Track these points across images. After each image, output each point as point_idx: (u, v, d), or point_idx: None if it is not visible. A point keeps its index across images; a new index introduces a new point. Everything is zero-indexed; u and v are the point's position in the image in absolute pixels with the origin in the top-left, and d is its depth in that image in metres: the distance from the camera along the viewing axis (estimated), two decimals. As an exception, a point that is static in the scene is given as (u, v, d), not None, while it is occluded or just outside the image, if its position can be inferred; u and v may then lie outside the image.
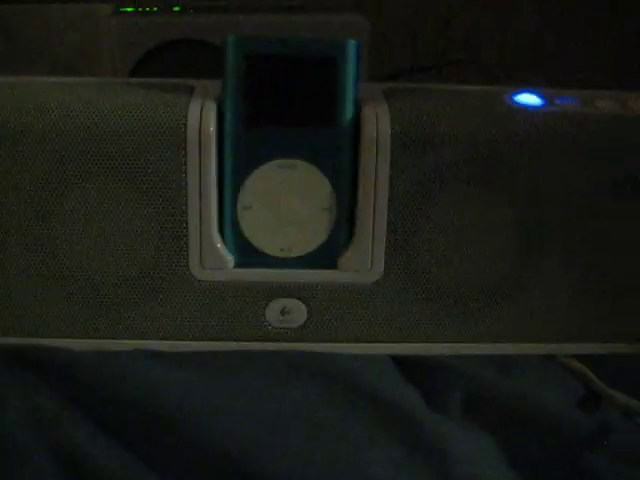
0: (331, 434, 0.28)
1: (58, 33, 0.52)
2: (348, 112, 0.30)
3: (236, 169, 0.30)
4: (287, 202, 0.31)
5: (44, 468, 0.25)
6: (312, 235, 0.32)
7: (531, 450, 0.28)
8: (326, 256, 0.32)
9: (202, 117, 0.30)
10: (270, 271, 0.32)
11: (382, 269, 0.32)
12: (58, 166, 0.30)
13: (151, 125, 0.30)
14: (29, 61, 0.53)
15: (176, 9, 0.52)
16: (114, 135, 0.30)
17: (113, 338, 0.32)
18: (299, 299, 0.32)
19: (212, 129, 0.30)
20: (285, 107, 0.30)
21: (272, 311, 0.32)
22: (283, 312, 0.32)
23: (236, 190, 0.31)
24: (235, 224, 0.31)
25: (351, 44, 0.30)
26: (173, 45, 0.50)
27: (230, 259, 0.31)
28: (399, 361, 0.33)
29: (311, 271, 0.32)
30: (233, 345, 0.33)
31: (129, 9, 0.51)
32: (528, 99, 0.32)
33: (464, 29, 0.77)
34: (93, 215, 0.31)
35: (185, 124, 0.30)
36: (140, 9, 0.51)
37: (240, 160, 0.30)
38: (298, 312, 0.32)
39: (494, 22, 0.78)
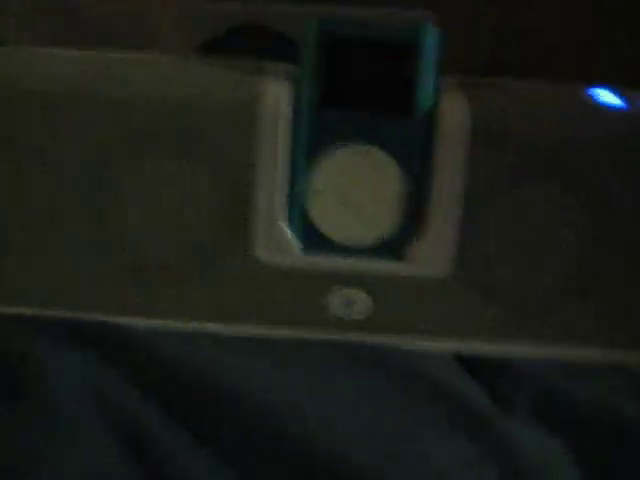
0: (394, 425, 0.27)
1: (121, 17, 0.52)
2: (427, 102, 0.30)
3: (308, 152, 0.30)
4: (358, 189, 0.30)
5: (106, 445, 0.25)
6: (381, 225, 0.31)
7: (601, 453, 0.27)
8: (394, 248, 0.31)
9: (277, 97, 0.29)
10: (336, 259, 0.31)
11: (450, 264, 0.31)
12: (128, 138, 0.30)
13: (224, 103, 0.29)
14: (90, 41, 0.53)
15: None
16: (186, 110, 0.30)
17: (171, 317, 0.32)
18: (363, 289, 0.32)
19: (287, 109, 0.29)
20: (363, 92, 0.29)
21: (335, 300, 0.32)
22: (347, 302, 0.32)
23: (307, 174, 0.30)
24: (303, 209, 0.31)
25: (433, 31, 0.29)
26: (237, 32, 0.50)
27: (296, 244, 0.31)
28: (463, 359, 0.32)
29: (378, 262, 0.31)
30: (293, 332, 0.32)
31: (195, -6, 0.51)
32: (608, 98, 0.32)
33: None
34: (159, 191, 0.30)
35: (260, 103, 0.29)
36: (206, -5, 0.51)
37: (313, 144, 0.30)
38: (362, 303, 0.32)
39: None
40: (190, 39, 0.50)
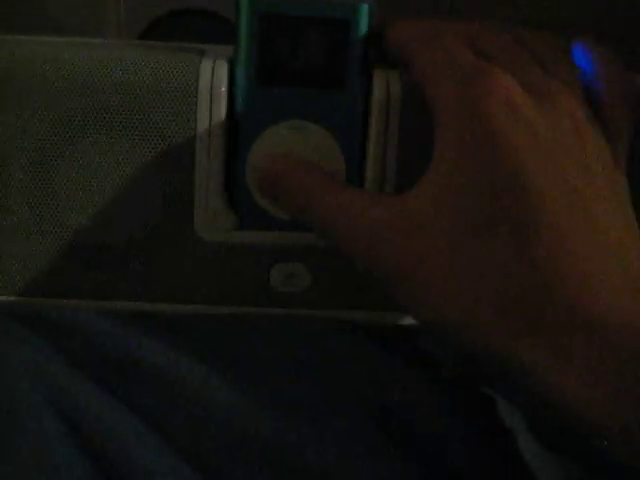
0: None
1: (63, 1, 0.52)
2: (359, 76, 0.30)
3: (245, 129, 0.30)
4: None
5: (50, 430, 0.25)
6: None
7: None
8: None
9: (214, 75, 0.30)
10: (275, 233, 0.32)
11: None
12: (64, 119, 0.30)
13: (162, 81, 0.30)
14: (31, 28, 0.52)
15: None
16: (123, 89, 0.30)
17: (114, 299, 0.32)
18: (303, 263, 0.32)
19: (223, 88, 0.30)
20: (297, 68, 0.30)
21: (276, 274, 0.32)
22: (288, 276, 0.32)
23: (245, 150, 0.30)
24: (243, 185, 0.31)
25: (365, 7, 0.30)
26: (178, 15, 0.50)
27: (236, 220, 0.31)
28: None
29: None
30: (236, 309, 0.32)
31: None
32: None
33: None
34: (98, 170, 0.31)
35: (197, 81, 0.29)
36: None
37: (250, 120, 0.30)
38: (302, 277, 0.32)
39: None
40: (134, 22, 0.49)
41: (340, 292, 0.33)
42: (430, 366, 0.30)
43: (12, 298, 0.32)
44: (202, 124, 0.30)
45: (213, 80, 0.30)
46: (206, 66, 0.30)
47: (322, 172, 0.29)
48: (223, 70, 0.30)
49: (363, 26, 0.30)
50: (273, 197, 0.30)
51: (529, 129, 0.25)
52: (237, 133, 0.30)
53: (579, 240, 0.24)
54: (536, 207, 0.24)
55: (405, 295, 0.26)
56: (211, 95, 0.30)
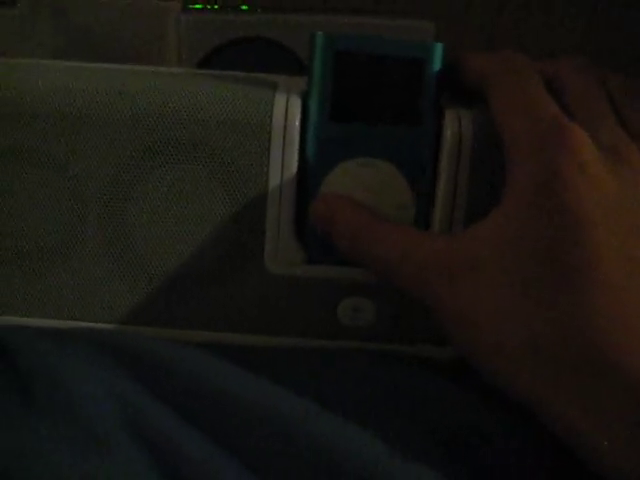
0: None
1: (124, 28, 0.53)
2: (432, 114, 0.30)
3: (317, 165, 0.31)
4: (366, 201, 0.31)
5: (132, 454, 0.25)
6: None
7: None
8: None
9: (288, 110, 0.30)
10: (342, 268, 0.32)
11: None
12: (138, 153, 0.31)
13: (236, 116, 0.30)
14: (93, 56, 0.53)
15: (244, 7, 0.53)
16: (199, 123, 0.30)
17: (186, 328, 0.33)
18: (369, 298, 0.32)
19: (297, 123, 0.30)
20: (370, 105, 0.30)
21: (343, 308, 0.32)
22: (354, 310, 0.32)
23: (316, 186, 0.31)
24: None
25: (438, 47, 0.30)
26: (239, 43, 0.51)
27: (305, 254, 0.31)
28: None
29: None
30: (303, 341, 0.33)
31: (198, 6, 0.52)
32: None
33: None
34: (170, 203, 0.31)
35: (271, 116, 0.30)
36: (209, 6, 0.52)
37: (322, 156, 0.30)
38: (368, 312, 0.32)
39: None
40: (192, 52, 0.50)
41: (404, 327, 0.33)
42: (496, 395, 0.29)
43: (83, 323, 0.33)
44: (275, 159, 0.30)
45: (287, 115, 0.30)
46: (280, 101, 0.30)
47: (371, 212, 0.30)
48: (297, 105, 0.30)
49: (437, 64, 0.30)
50: (327, 233, 0.31)
51: (597, 187, 0.25)
52: (308, 168, 0.31)
53: (631, 303, 0.24)
54: (592, 267, 0.24)
55: (452, 333, 0.27)
56: (285, 130, 0.30)
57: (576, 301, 0.24)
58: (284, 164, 0.30)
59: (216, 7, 0.52)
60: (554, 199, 0.25)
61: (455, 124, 0.30)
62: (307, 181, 0.31)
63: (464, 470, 0.27)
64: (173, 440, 0.26)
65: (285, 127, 0.30)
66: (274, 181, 0.30)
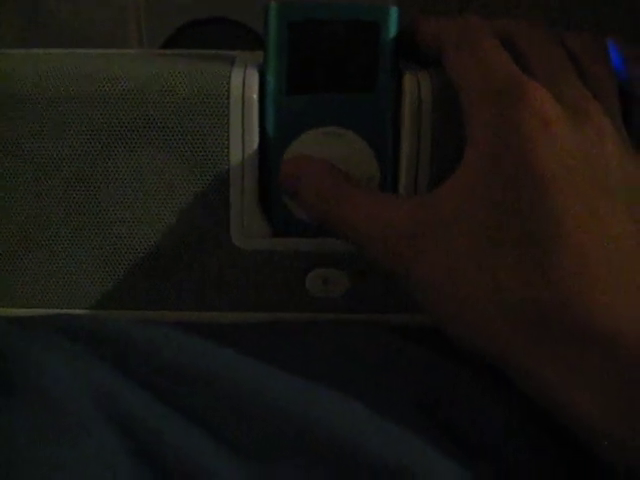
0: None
1: (85, 12, 0.52)
2: (390, 79, 0.30)
3: (278, 137, 0.30)
4: None
5: (106, 439, 0.25)
6: None
7: None
8: None
9: (245, 84, 0.30)
10: (310, 240, 0.32)
11: None
12: (99, 133, 0.30)
13: (193, 92, 0.30)
14: (55, 41, 0.53)
15: (205, -13, 0.52)
16: (155, 101, 0.30)
17: (155, 309, 0.32)
18: (339, 268, 0.32)
19: (255, 95, 0.30)
20: (327, 73, 0.30)
21: (313, 280, 0.32)
22: (324, 281, 0.32)
23: (278, 159, 0.31)
24: (276, 193, 0.31)
25: (394, 10, 0.30)
26: (201, 24, 0.50)
27: (271, 228, 0.31)
28: None
29: None
30: (274, 315, 0.33)
31: (158, -13, 0.51)
32: None
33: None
34: (135, 182, 0.31)
35: (228, 90, 0.30)
36: (169, -13, 0.51)
37: (282, 127, 0.30)
38: (338, 282, 0.32)
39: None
40: (154, 34, 0.50)
41: (376, 295, 0.33)
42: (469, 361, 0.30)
43: (55, 310, 0.32)
44: (235, 134, 0.30)
45: (245, 89, 0.30)
46: (237, 75, 0.30)
47: (340, 174, 0.30)
48: (254, 78, 0.30)
49: (393, 28, 0.30)
50: (295, 197, 0.30)
51: (558, 144, 0.25)
52: (269, 141, 0.30)
53: (596, 259, 0.24)
54: (557, 224, 0.25)
55: (421, 296, 0.27)
56: (243, 104, 0.30)
57: (540, 257, 0.25)
58: (244, 138, 0.30)
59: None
60: (515, 155, 0.25)
61: (414, 88, 0.30)
62: (269, 154, 0.31)
63: (445, 435, 0.28)
64: (149, 423, 0.26)
65: (243, 101, 0.30)
66: (235, 156, 0.30)
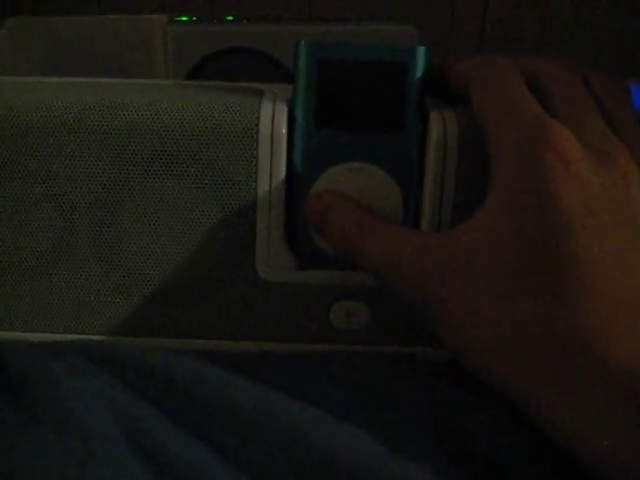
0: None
1: (113, 43, 0.53)
2: (416, 117, 0.31)
3: (305, 172, 0.31)
4: None
5: (128, 460, 0.26)
6: None
7: None
8: None
9: (274, 119, 0.30)
10: (334, 273, 0.32)
11: None
12: (128, 165, 0.31)
13: (224, 125, 0.30)
14: (83, 72, 0.54)
15: (229, 18, 0.53)
16: (187, 134, 0.30)
17: (180, 337, 0.33)
18: (362, 301, 0.32)
19: (284, 131, 0.30)
20: (355, 111, 0.30)
21: (336, 313, 0.33)
22: (347, 314, 0.33)
23: (305, 193, 0.31)
24: (302, 226, 0.32)
25: (421, 50, 0.30)
26: (225, 54, 0.51)
27: (296, 261, 0.32)
28: None
29: None
30: (297, 346, 0.33)
31: (184, 18, 0.53)
32: None
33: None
34: (161, 213, 0.31)
35: (257, 125, 0.30)
36: (194, 18, 0.53)
37: (309, 163, 0.31)
38: (362, 314, 0.33)
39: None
40: (179, 63, 0.51)
41: (398, 328, 0.33)
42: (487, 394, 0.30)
43: (76, 336, 0.33)
44: (263, 167, 0.31)
45: (274, 123, 0.30)
46: (266, 110, 0.31)
47: (364, 208, 0.31)
48: (283, 113, 0.31)
49: (420, 68, 0.30)
50: (320, 231, 0.31)
51: (581, 185, 0.26)
52: (296, 175, 0.31)
53: (610, 297, 0.25)
54: (576, 266, 0.25)
55: (442, 329, 0.28)
56: (272, 138, 0.30)
57: (559, 297, 0.25)
58: (272, 172, 0.31)
59: (201, 19, 0.53)
60: (537, 195, 0.26)
61: (440, 126, 0.30)
62: (296, 188, 0.31)
63: (463, 469, 0.28)
64: (168, 447, 0.26)
65: (272, 135, 0.30)
66: (263, 189, 0.31)
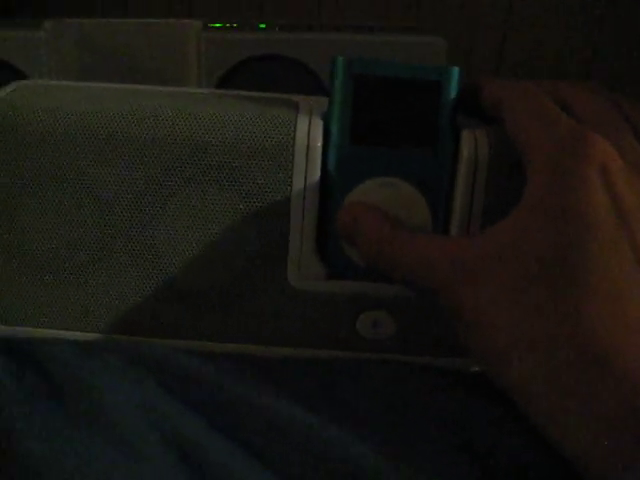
0: None
1: (147, 48, 0.54)
2: (449, 135, 0.31)
3: (338, 185, 0.32)
4: None
5: (159, 458, 0.27)
6: None
7: None
8: None
9: (310, 132, 0.31)
10: (362, 284, 0.33)
11: None
12: (166, 172, 0.32)
13: (260, 138, 0.31)
14: (116, 76, 0.55)
15: (262, 26, 0.54)
16: (222, 145, 0.31)
17: (207, 340, 0.34)
18: (388, 311, 0.33)
19: (319, 144, 0.31)
20: (389, 127, 0.31)
21: (363, 322, 0.33)
22: (374, 324, 0.33)
23: (336, 205, 0.32)
24: (334, 238, 0.32)
25: (456, 70, 0.31)
26: (258, 60, 0.52)
27: (326, 271, 0.33)
28: None
29: (401, 286, 0.33)
30: (324, 353, 0.34)
31: (218, 25, 0.54)
32: None
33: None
34: (196, 220, 0.32)
35: (294, 139, 0.31)
36: (228, 25, 0.54)
37: (343, 177, 0.32)
38: (387, 324, 0.33)
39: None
40: (212, 69, 0.52)
41: (423, 339, 0.34)
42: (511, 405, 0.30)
43: (115, 336, 0.34)
44: (298, 179, 0.31)
45: (309, 137, 0.31)
46: (302, 123, 0.31)
47: (394, 220, 0.31)
48: (319, 127, 0.31)
49: (453, 88, 0.31)
50: (351, 241, 0.32)
51: (615, 196, 0.26)
52: (329, 188, 0.32)
53: (624, 314, 0.25)
54: (595, 272, 0.25)
55: (468, 333, 0.28)
56: (307, 151, 0.31)
57: (574, 307, 0.25)
58: (306, 184, 0.31)
59: (235, 25, 0.54)
60: (568, 198, 0.26)
61: (471, 144, 0.31)
62: (328, 200, 0.32)
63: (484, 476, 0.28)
64: (200, 446, 0.28)
65: (307, 148, 0.31)
66: (297, 200, 0.32)
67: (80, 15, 0.55)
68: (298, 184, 0.31)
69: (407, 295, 0.33)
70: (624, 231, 0.26)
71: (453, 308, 0.28)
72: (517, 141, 0.29)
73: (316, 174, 0.31)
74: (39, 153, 0.32)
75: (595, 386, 0.24)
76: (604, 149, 0.26)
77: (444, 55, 0.53)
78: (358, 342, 0.34)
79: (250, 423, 0.29)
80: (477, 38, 0.78)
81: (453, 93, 0.31)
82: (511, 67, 0.78)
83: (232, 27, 0.53)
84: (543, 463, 0.29)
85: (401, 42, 0.52)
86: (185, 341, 0.34)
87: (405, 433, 0.30)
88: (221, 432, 0.29)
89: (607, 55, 0.80)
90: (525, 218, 0.27)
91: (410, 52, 0.51)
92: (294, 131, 0.31)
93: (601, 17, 0.79)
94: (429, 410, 0.31)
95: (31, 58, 0.51)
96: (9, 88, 0.34)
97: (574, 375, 0.25)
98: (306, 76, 0.51)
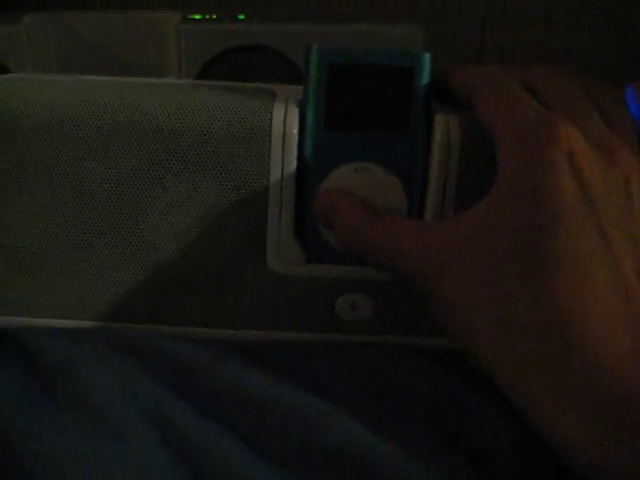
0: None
1: (127, 40, 0.55)
2: (422, 120, 0.32)
3: (315, 170, 0.32)
4: None
5: (146, 441, 0.27)
6: None
7: None
8: None
9: (286, 120, 0.32)
10: (340, 267, 0.34)
11: None
12: (147, 161, 0.32)
13: (239, 125, 0.32)
14: (96, 69, 0.55)
15: (241, 17, 0.55)
16: (202, 133, 0.32)
17: (191, 325, 0.35)
18: (366, 294, 0.34)
19: (295, 131, 0.32)
20: (363, 113, 0.32)
21: (342, 305, 0.34)
22: (352, 307, 0.34)
23: (314, 190, 0.33)
24: (311, 223, 0.33)
25: (427, 56, 0.32)
26: (237, 51, 0.53)
27: (304, 254, 0.33)
28: None
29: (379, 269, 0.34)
30: (303, 335, 0.35)
31: (197, 16, 0.54)
32: None
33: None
34: (178, 207, 0.33)
35: (270, 126, 0.32)
36: (207, 17, 0.54)
37: (319, 162, 0.32)
38: (366, 306, 0.34)
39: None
40: (192, 61, 0.52)
41: (400, 320, 0.35)
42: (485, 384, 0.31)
43: (102, 324, 0.35)
44: (275, 166, 0.32)
45: (285, 124, 0.32)
46: (279, 111, 0.32)
47: (369, 205, 0.32)
48: (295, 115, 0.32)
49: (425, 73, 0.32)
50: (329, 226, 0.32)
51: (582, 179, 0.26)
52: (306, 173, 0.33)
53: (595, 297, 0.25)
54: (565, 254, 0.26)
55: (444, 315, 0.28)
56: (283, 138, 0.32)
57: (543, 292, 0.25)
58: (283, 169, 0.32)
59: (214, 17, 0.54)
60: (537, 184, 0.26)
61: (444, 129, 0.32)
62: (305, 185, 0.33)
63: (460, 459, 0.29)
64: (187, 429, 0.28)
65: (284, 135, 0.32)
66: (275, 186, 0.32)
67: (78, 8, 0.55)
68: (275, 171, 0.32)
69: (384, 278, 0.34)
70: (591, 217, 0.26)
71: (428, 292, 0.29)
72: (487, 127, 0.30)
73: (292, 161, 0.32)
74: (27, 146, 0.32)
75: (567, 373, 0.25)
76: (571, 134, 0.27)
77: (421, 43, 0.53)
78: (337, 324, 0.35)
79: (236, 406, 0.30)
80: (459, 27, 0.79)
81: (425, 79, 0.32)
82: (495, 57, 0.79)
83: (211, 19, 0.54)
84: (514, 443, 0.29)
85: (377, 31, 0.53)
86: (167, 327, 0.35)
87: (383, 412, 0.31)
88: (207, 415, 0.29)
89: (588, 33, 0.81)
90: (496, 204, 0.27)
91: (387, 41, 0.52)
92: (270, 119, 0.32)
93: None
94: (407, 389, 0.32)
95: (12, 52, 0.51)
96: None
97: (547, 361, 0.25)
98: (285, 66, 0.52)
